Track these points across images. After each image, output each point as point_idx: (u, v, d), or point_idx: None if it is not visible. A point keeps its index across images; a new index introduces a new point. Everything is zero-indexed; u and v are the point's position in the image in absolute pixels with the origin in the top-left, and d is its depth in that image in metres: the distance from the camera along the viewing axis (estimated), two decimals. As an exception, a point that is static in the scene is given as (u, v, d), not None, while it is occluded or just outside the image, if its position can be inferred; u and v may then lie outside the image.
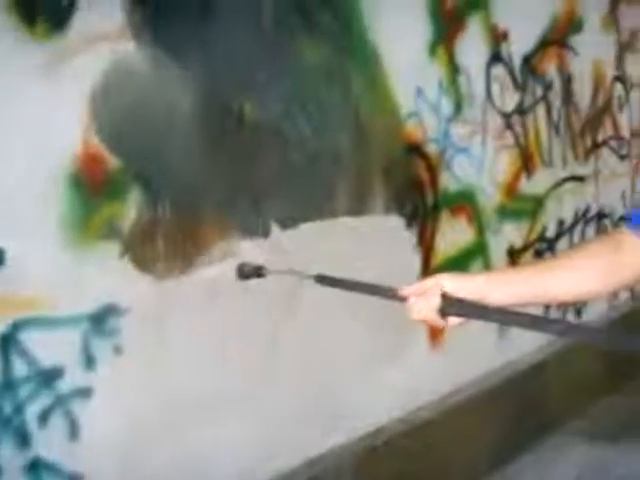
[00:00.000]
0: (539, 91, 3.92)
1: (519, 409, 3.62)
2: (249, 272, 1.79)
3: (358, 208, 2.79)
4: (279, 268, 1.78)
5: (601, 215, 4.53)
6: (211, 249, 2.29)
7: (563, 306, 4.11)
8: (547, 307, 3.92)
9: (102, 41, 2.03)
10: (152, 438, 2.15)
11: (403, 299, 1.51)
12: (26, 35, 1.89)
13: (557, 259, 1.60)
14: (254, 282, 2.24)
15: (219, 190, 2.33)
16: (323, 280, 1.64)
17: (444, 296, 1.45)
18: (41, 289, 1.90)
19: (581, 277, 1.48)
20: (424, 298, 1.47)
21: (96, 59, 2.02)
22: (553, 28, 3.98)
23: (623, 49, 4.74)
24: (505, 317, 1.46)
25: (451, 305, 1.45)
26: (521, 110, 3.76)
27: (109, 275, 2.07)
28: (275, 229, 2.49)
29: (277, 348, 2.51)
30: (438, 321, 1.48)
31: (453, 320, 1.48)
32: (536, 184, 3.91)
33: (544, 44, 3.92)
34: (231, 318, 2.35)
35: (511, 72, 3.68)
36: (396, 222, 2.99)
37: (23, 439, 1.89)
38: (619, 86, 4.75)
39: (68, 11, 1.97)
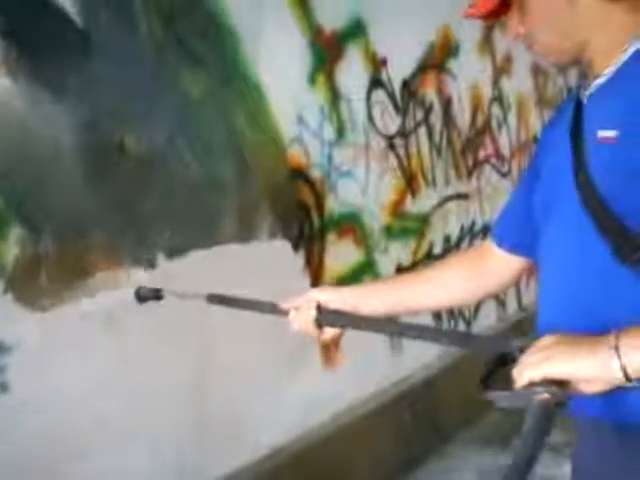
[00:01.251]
0: (420, 114, 4.06)
1: (415, 423, 3.72)
2: (146, 295, 1.83)
3: (244, 234, 2.84)
4: (175, 290, 1.85)
5: (486, 229, 4.71)
6: (97, 282, 2.30)
7: (453, 318, 4.27)
8: (439, 318, 4.08)
9: (-24, 78, 2.04)
10: (41, 475, 2.14)
11: (285, 313, 1.58)
12: None
13: (423, 272, 1.72)
14: (145, 310, 2.27)
15: (103, 222, 2.34)
16: (213, 299, 1.72)
17: (318, 308, 1.54)
18: None
19: (444, 288, 1.59)
20: (302, 311, 1.55)
21: (-30, 97, 2.02)
22: (430, 53, 4.15)
23: (499, 72, 4.98)
24: (375, 325, 1.55)
25: (325, 316, 1.54)
26: (403, 133, 3.89)
27: (-8, 313, 2.06)
28: (162, 258, 2.51)
29: (173, 372, 2.52)
30: (314, 332, 1.55)
31: (329, 330, 1.56)
32: (421, 203, 4.05)
33: (423, 69, 4.08)
34: (121, 347, 2.36)
35: (392, 96, 3.81)
36: (283, 246, 3.05)
37: None
38: (497, 107, 4.97)
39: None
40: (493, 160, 4.91)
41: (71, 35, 2.28)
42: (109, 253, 2.36)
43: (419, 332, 1.45)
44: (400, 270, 3.80)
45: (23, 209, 2.13)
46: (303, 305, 1.56)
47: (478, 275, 1.58)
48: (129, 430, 2.38)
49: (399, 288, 1.64)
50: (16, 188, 2.12)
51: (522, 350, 1.16)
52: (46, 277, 2.18)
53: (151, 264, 2.48)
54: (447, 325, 4.20)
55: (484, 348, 1.31)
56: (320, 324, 1.54)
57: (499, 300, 4.80)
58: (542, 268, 1.37)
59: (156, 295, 1.82)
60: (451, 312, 4.24)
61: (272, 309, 1.62)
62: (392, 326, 1.56)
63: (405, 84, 3.91)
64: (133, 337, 2.38)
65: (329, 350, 3.22)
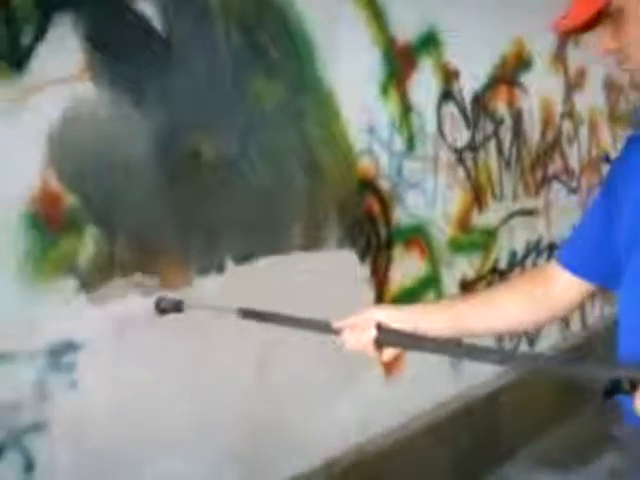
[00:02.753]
0: (490, 127, 4.03)
1: (473, 439, 3.68)
2: (166, 307, 1.77)
3: (312, 243, 2.85)
4: (201, 303, 1.78)
5: (552, 246, 4.65)
6: (167, 283, 2.34)
7: (515, 337, 4.21)
8: (500, 337, 4.03)
9: (61, 82, 2.08)
10: (107, 473, 2.17)
11: (337, 332, 1.52)
12: (-15, 76, 1.94)
13: (486, 294, 1.66)
14: (207, 316, 2.30)
15: (175, 227, 2.38)
16: (248, 315, 1.63)
17: (379, 327, 1.47)
18: (-2, 325, 1.93)
19: (507, 312, 1.54)
20: (359, 330, 1.49)
21: (55, 99, 2.06)
22: (503, 66, 4.11)
23: (571, 86, 4.90)
24: (439, 347, 1.49)
25: (386, 336, 1.47)
26: (472, 146, 3.86)
27: (65, 311, 2.10)
28: (230, 264, 2.54)
29: (232, 379, 2.55)
30: (373, 352, 1.50)
31: (388, 351, 1.51)
32: (488, 217, 4.01)
33: (494, 82, 4.04)
34: (186, 351, 2.39)
35: (462, 109, 3.78)
36: (349, 257, 3.05)
37: (-23, 476, 1.91)
38: (568, 122, 4.90)
39: (27, 52, 2.02)
40: (562, 176, 4.84)
41: (152, 42, 2.32)
42: (180, 255, 2.39)
43: (488, 355, 1.38)
44: (464, 285, 3.77)
45: (99, 211, 2.18)
46: (360, 324, 1.49)
47: (541, 299, 1.53)
48: (185, 439, 2.40)
49: (461, 310, 1.57)
50: (94, 190, 2.17)
51: (633, 381, 1.09)
52: (119, 279, 2.22)
53: (220, 268, 2.50)
54: (509, 344, 4.15)
55: (581, 376, 1.22)
56: (380, 344, 1.48)
57: (562, 318, 4.72)
58: (627, 295, 1.33)
59: (176, 308, 1.75)
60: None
61: (322, 327, 1.54)
62: (458, 349, 1.50)
63: (476, 97, 3.88)
64: (196, 343, 2.41)
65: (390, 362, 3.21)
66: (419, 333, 1.49)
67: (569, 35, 4.68)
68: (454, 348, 1.51)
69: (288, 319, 1.60)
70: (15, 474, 1.98)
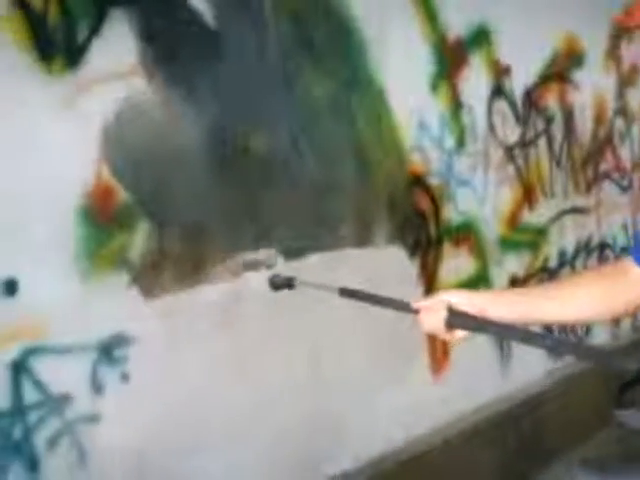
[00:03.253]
0: (540, 124, 3.98)
1: (519, 439, 3.64)
2: (280, 283, 1.87)
3: (362, 239, 2.85)
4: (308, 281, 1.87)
5: (603, 245, 4.58)
6: (217, 279, 2.35)
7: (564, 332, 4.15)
8: (549, 331, 3.97)
9: (115, 78, 2.11)
10: (158, 465, 2.19)
11: (415, 312, 1.59)
12: (43, 71, 1.96)
13: (555, 286, 1.69)
14: (256, 311, 2.33)
15: (225, 222, 2.39)
16: (345, 293, 1.75)
17: (450, 309, 1.53)
18: (52, 318, 1.96)
19: (575, 305, 1.55)
20: (433, 311, 1.55)
21: (109, 95, 2.09)
22: (554, 63, 4.05)
23: (624, 83, 4.81)
24: (505, 331, 1.56)
25: (456, 318, 1.53)
26: (523, 143, 3.82)
27: (118, 304, 2.12)
28: (280, 260, 2.54)
29: (283, 377, 2.55)
30: (444, 333, 1.55)
31: (458, 333, 1.56)
32: (538, 215, 3.96)
33: (545, 78, 3.99)
34: (233, 346, 2.40)
35: (513, 106, 3.74)
36: (399, 253, 3.04)
37: (32, 465, 1.93)
38: (620, 119, 4.81)
39: (83, 49, 2.05)
40: (614, 174, 4.75)
41: (205, 38, 2.34)
42: (230, 252, 2.40)
43: (550, 343, 1.41)
44: (514, 283, 3.73)
45: (151, 206, 2.20)
46: (434, 305, 1.56)
47: (612, 294, 1.53)
48: (234, 432, 2.40)
49: (530, 300, 1.60)
50: (146, 185, 2.19)
51: None
52: (170, 273, 2.23)
53: (270, 265, 2.50)
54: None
55: (620, 367, 1.25)
56: (450, 325, 1.54)
57: (632, 313, 4.62)
58: None
59: (288, 284, 1.85)
60: (563, 326, 4.12)
61: (404, 307, 1.63)
62: (524, 334, 1.54)
63: (527, 93, 3.84)
64: (244, 339, 2.42)
65: (437, 355, 3.20)
66: (487, 317, 1.54)
67: (628, 31, 4.61)
68: (515, 333, 1.56)
69: (376, 298, 1.70)
70: (68, 465, 2.00)
